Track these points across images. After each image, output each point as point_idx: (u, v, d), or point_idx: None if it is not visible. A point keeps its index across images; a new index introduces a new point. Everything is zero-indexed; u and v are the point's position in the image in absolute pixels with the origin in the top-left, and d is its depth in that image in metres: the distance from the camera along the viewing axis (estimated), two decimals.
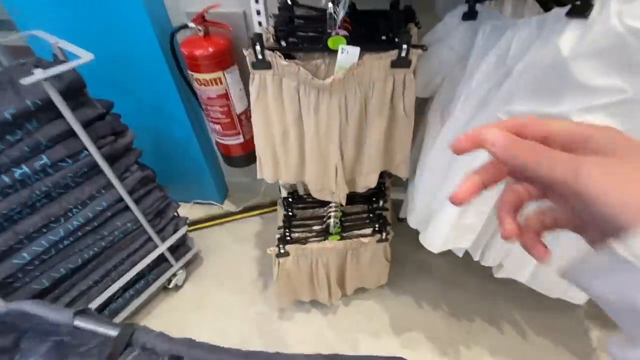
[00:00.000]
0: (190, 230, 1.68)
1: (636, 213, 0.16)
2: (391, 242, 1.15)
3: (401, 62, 0.73)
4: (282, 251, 1.04)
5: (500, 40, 0.64)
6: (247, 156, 1.46)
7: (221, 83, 1.17)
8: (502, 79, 0.63)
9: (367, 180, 0.96)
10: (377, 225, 1.09)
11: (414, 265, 1.51)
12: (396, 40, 0.71)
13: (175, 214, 1.36)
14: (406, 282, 1.46)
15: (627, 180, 0.17)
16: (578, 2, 0.48)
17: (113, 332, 0.53)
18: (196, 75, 1.15)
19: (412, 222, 0.98)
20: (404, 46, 0.70)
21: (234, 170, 1.74)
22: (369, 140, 0.87)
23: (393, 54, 0.72)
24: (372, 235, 1.08)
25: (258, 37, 0.69)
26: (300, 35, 0.79)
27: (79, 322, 0.54)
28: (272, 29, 0.79)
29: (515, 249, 0.91)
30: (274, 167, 0.96)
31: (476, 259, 0.98)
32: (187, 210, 1.79)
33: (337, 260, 1.13)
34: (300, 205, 1.18)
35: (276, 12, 0.86)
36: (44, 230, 0.93)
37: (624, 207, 0.16)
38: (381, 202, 1.16)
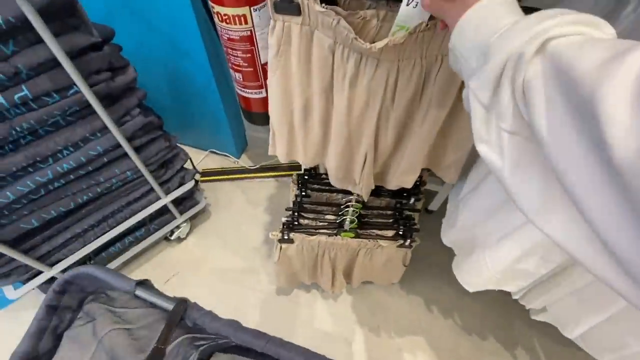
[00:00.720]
0: (202, 181, 1.59)
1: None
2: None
3: None
4: (285, 237, 0.90)
5: None
6: (268, 115, 1.27)
7: (246, 22, 0.94)
8: None
9: (402, 180, 0.76)
10: (401, 229, 0.91)
11: (433, 265, 1.35)
12: None
13: (184, 165, 1.25)
14: (420, 281, 1.32)
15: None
16: None
17: (169, 306, 0.56)
18: (217, 7, 0.92)
19: (447, 240, 0.80)
20: None
21: (254, 124, 1.58)
22: (417, 131, 0.65)
23: None
24: (393, 239, 0.91)
25: None
26: None
27: (140, 292, 0.57)
28: None
29: (571, 301, 0.71)
30: (289, 144, 0.78)
31: (515, 297, 0.79)
32: (202, 159, 1.69)
33: (347, 255, 0.98)
34: (316, 186, 1.01)
35: None
36: (30, 170, 0.83)
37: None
38: (412, 200, 0.96)
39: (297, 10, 0.52)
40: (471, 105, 0.34)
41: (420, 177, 1.00)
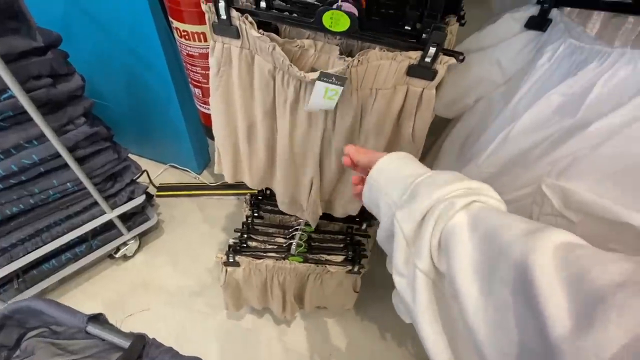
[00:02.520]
0: (159, 196, 1.53)
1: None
2: (370, 260, 0.98)
3: (422, 71, 0.50)
4: (231, 260, 0.87)
5: (578, 74, 0.42)
6: None
7: (206, 40, 0.94)
8: (563, 135, 0.41)
9: (347, 208, 0.76)
10: (350, 254, 0.90)
11: (389, 290, 1.34)
12: (423, 36, 0.48)
13: (136, 179, 1.19)
14: (375, 307, 1.30)
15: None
16: None
17: (125, 343, 0.52)
18: (176, 23, 0.92)
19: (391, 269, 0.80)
20: (432, 48, 0.47)
21: None
22: None
23: (414, 56, 0.49)
24: (342, 264, 0.90)
25: None
26: (291, 1, 0.56)
27: (92, 329, 0.52)
28: None
29: None
30: (234, 166, 0.76)
31: None
32: (160, 172, 1.62)
33: (297, 280, 0.96)
34: (269, 207, 1.00)
35: None
36: None
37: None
38: (364, 226, 0.97)
39: (235, 34, 0.52)
40: (395, 235, 0.35)
41: None
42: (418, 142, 0.62)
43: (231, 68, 0.58)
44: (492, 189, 0.31)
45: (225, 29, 0.52)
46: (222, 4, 0.48)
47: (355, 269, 0.89)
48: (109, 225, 1.17)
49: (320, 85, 0.50)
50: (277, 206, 1.01)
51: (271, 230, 0.95)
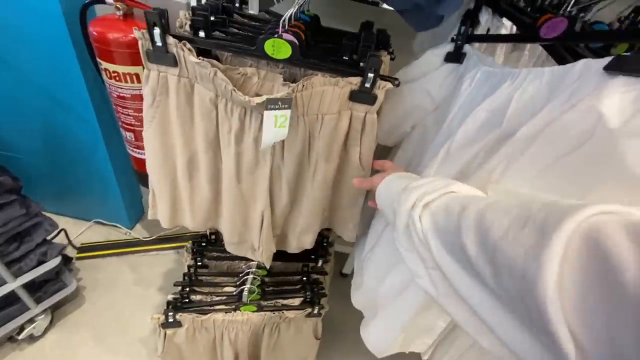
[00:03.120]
0: (80, 258, 1.31)
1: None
2: (330, 300, 0.91)
3: (364, 96, 0.53)
4: (171, 320, 0.74)
5: (496, 93, 0.47)
6: None
7: (139, 81, 0.90)
8: (494, 144, 0.45)
9: (301, 240, 0.73)
10: (309, 295, 0.84)
11: (351, 336, 1.26)
12: (361, 64, 0.51)
13: (50, 238, 1.01)
14: (338, 354, 1.21)
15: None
16: (628, 53, 0.31)
17: None
18: (106, 64, 0.87)
19: (357, 303, 0.76)
20: (370, 74, 0.50)
21: None
22: (310, 188, 0.64)
23: (354, 82, 0.52)
24: (301, 307, 0.83)
25: (158, 16, 0.45)
26: (230, 32, 0.57)
27: None
28: (190, 16, 0.56)
29: (470, 353, 0.71)
30: (173, 206, 0.69)
31: (424, 358, 0.76)
32: (83, 230, 1.41)
33: (250, 335, 0.85)
34: (215, 254, 0.90)
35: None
36: None
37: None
38: (320, 262, 0.92)
39: (172, 61, 0.50)
40: (400, 251, 0.42)
41: (327, 237, 0.98)
42: (366, 168, 0.64)
43: (168, 98, 0.55)
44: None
45: (161, 56, 0.49)
46: (157, 31, 0.46)
47: (316, 311, 0.82)
48: (10, 298, 0.94)
49: (269, 115, 0.49)
50: (223, 251, 0.92)
51: (218, 279, 0.85)
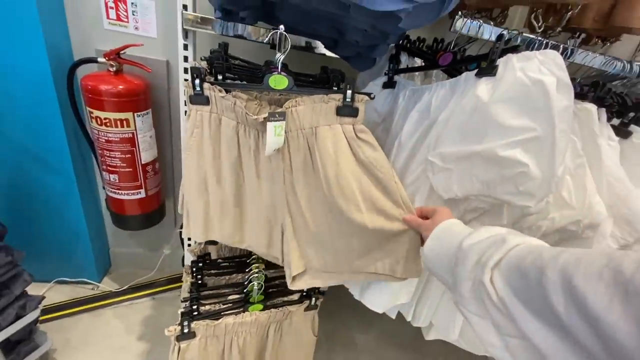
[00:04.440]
0: (44, 321, 1.21)
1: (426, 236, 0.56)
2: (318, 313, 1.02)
3: (347, 110, 0.69)
4: (186, 331, 0.80)
5: (421, 100, 0.74)
6: (145, 217, 1.22)
7: (129, 125, 1.01)
8: (426, 130, 0.70)
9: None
10: (305, 289, 0.96)
11: (340, 344, 1.36)
12: (340, 86, 0.73)
13: (25, 291, 0.97)
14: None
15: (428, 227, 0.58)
16: (484, 66, 0.59)
17: None
18: (97, 112, 0.97)
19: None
20: (349, 90, 0.69)
21: (122, 238, 1.43)
22: (325, 204, 0.71)
23: (337, 98, 0.68)
24: (299, 302, 0.95)
25: (197, 70, 0.63)
26: (237, 73, 0.76)
27: None
28: (205, 64, 0.75)
29: (443, 305, 0.90)
30: (205, 223, 0.78)
31: (408, 319, 0.93)
32: (43, 292, 1.31)
33: (257, 339, 0.92)
34: (213, 271, 0.98)
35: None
36: None
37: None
38: None
39: (206, 101, 0.67)
40: (466, 317, 0.41)
41: None
42: (387, 173, 0.70)
43: (202, 130, 0.70)
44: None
45: (199, 99, 0.66)
46: (197, 81, 0.64)
47: (313, 302, 0.95)
48: None
49: (269, 126, 0.67)
50: (221, 268, 1.01)
51: (222, 291, 0.92)
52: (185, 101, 0.67)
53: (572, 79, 0.56)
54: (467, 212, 0.69)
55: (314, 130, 0.71)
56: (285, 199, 0.74)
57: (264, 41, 0.68)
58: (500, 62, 0.57)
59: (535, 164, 0.55)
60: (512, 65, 0.54)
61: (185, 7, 0.80)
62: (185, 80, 0.85)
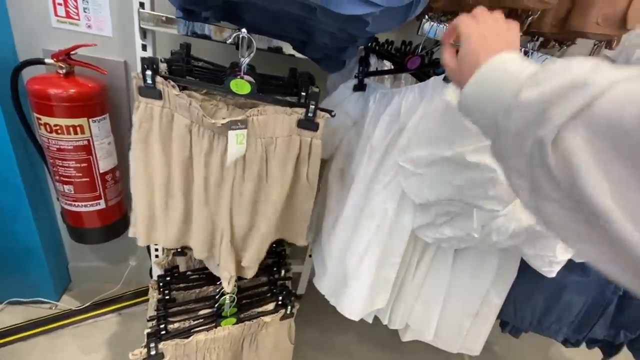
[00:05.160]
0: None
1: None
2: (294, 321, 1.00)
3: (308, 124, 0.70)
4: (153, 353, 0.75)
5: (391, 104, 0.73)
6: (106, 229, 1.14)
7: (83, 132, 0.93)
8: (397, 134, 0.70)
9: (258, 255, 0.82)
10: (280, 298, 0.94)
11: (318, 349, 1.34)
12: (304, 99, 0.71)
13: None
14: None
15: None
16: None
17: None
18: (46, 119, 0.89)
19: (324, 289, 0.89)
20: (312, 106, 0.69)
21: (82, 251, 1.33)
22: (267, 203, 0.76)
23: (300, 111, 0.69)
24: (275, 311, 0.92)
25: (150, 61, 0.58)
26: (199, 76, 0.72)
27: None
28: (164, 66, 0.70)
29: (418, 308, 0.91)
30: (149, 224, 0.74)
31: (385, 322, 0.93)
32: None
33: (231, 354, 0.89)
34: (181, 285, 0.93)
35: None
36: None
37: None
38: (283, 272, 1.03)
39: (158, 95, 0.62)
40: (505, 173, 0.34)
41: (284, 249, 1.10)
42: (313, 184, 0.79)
43: (152, 123, 0.65)
44: None
45: (150, 91, 0.61)
46: (149, 73, 0.59)
47: (289, 311, 0.92)
48: None
49: (231, 134, 0.64)
50: (191, 281, 0.96)
51: (192, 306, 0.88)
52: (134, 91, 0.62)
53: None
54: (439, 216, 0.69)
55: (274, 139, 0.69)
56: (229, 206, 0.73)
57: (227, 42, 0.64)
58: None
59: None
60: None
61: (142, 4, 0.75)
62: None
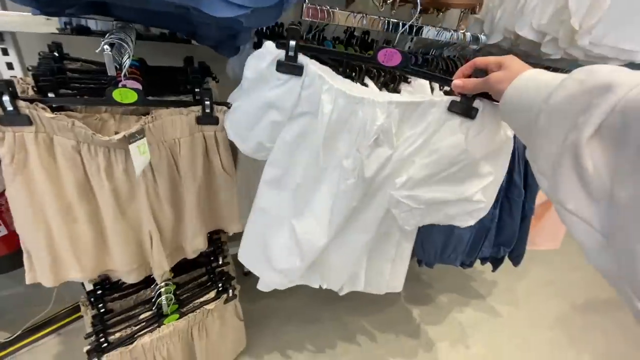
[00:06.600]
0: None
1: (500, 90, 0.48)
2: (240, 299, 1.07)
3: (208, 119, 0.70)
4: None
5: (372, 120, 0.63)
6: (12, 257, 1.04)
7: None
8: (387, 161, 0.66)
9: (195, 244, 0.85)
10: (220, 285, 0.99)
11: (272, 317, 1.46)
12: (197, 97, 0.69)
13: None
14: (269, 337, 1.38)
15: (502, 78, 0.47)
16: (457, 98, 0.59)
17: None
18: None
19: (242, 257, 0.88)
20: (207, 102, 0.68)
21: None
22: (189, 199, 0.78)
23: (196, 109, 0.68)
24: (217, 298, 0.97)
25: (6, 85, 0.51)
26: (76, 87, 0.65)
27: None
28: (31, 80, 0.62)
29: (349, 266, 1.02)
30: (54, 264, 0.68)
31: (324, 286, 1.03)
32: None
33: (182, 345, 0.93)
34: (116, 295, 0.92)
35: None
36: None
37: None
38: (220, 260, 1.07)
39: (27, 121, 0.55)
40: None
41: (219, 238, 1.13)
42: (231, 173, 0.81)
43: (28, 154, 0.58)
44: None
45: (15, 119, 0.54)
46: (6, 98, 0.52)
47: (231, 294, 0.98)
48: None
49: (132, 147, 0.62)
50: (125, 289, 0.95)
51: (131, 312, 0.89)
52: None
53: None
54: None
55: (176, 141, 0.69)
56: (150, 210, 0.72)
57: (96, 51, 0.59)
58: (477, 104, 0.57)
59: (487, 199, 0.66)
60: (492, 114, 0.57)
61: None
62: None
